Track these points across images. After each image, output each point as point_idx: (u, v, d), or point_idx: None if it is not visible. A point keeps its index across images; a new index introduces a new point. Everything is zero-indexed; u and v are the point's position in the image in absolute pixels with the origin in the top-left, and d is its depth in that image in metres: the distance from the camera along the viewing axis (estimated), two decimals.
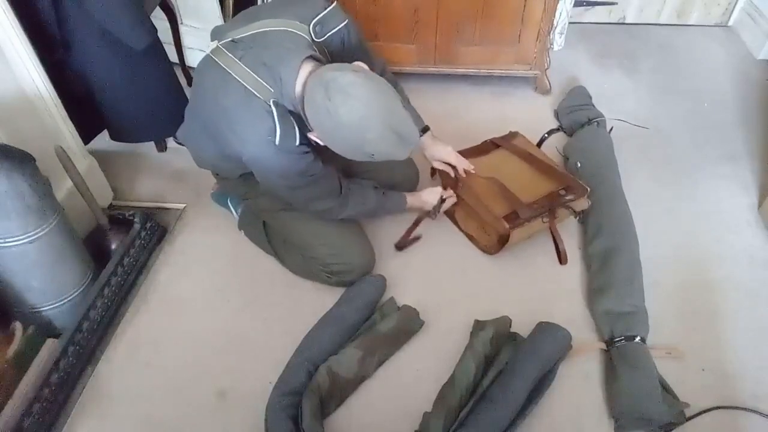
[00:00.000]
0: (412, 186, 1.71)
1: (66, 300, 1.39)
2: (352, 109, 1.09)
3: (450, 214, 1.70)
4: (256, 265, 1.61)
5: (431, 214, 1.62)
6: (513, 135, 1.77)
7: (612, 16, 2.66)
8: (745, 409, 1.26)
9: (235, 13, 1.93)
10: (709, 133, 2.04)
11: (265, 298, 1.53)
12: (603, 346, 1.37)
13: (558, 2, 2.05)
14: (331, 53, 1.30)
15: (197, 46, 2.20)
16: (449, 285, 1.55)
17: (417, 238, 1.66)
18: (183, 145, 1.54)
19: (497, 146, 1.73)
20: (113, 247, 1.58)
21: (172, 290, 1.56)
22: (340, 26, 1.29)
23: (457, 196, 1.62)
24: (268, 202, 1.52)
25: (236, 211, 1.69)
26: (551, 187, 1.56)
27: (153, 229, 1.66)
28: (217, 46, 1.24)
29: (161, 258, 1.64)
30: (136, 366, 1.38)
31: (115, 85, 1.67)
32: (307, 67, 1.17)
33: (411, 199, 1.60)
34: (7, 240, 1.23)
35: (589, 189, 1.56)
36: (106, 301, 1.44)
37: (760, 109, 2.15)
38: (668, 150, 1.97)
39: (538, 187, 1.56)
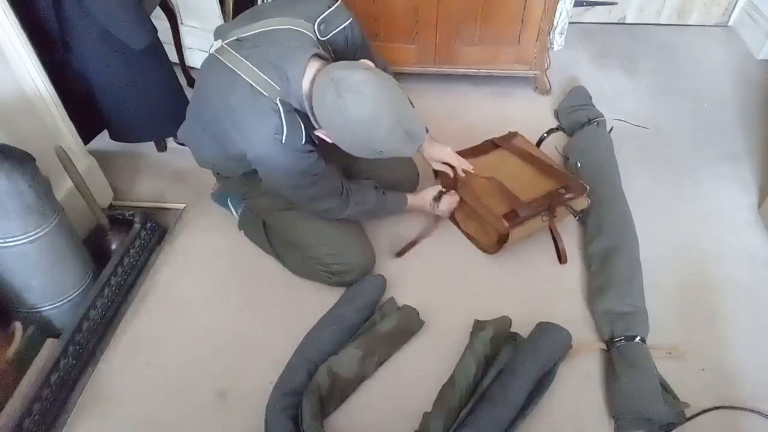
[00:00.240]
0: (412, 186, 1.71)
1: (66, 300, 1.39)
2: (362, 107, 1.11)
3: (450, 215, 1.70)
4: (256, 265, 1.61)
5: (431, 205, 1.60)
6: (512, 135, 1.77)
7: (612, 16, 2.66)
8: (745, 409, 1.26)
9: (235, 14, 1.94)
10: (709, 133, 2.04)
11: (265, 298, 1.53)
12: (603, 346, 1.37)
13: (558, 2, 2.05)
14: (335, 51, 1.31)
15: (197, 46, 2.20)
16: (449, 285, 1.55)
17: (415, 242, 1.66)
18: (183, 144, 1.55)
19: (497, 146, 1.73)
20: (113, 247, 1.58)
21: (172, 290, 1.56)
22: (344, 25, 1.30)
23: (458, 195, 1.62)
24: (269, 202, 1.52)
25: (236, 211, 1.69)
26: (551, 186, 1.56)
27: (153, 229, 1.66)
28: (222, 45, 1.24)
29: (161, 258, 1.64)
30: (136, 366, 1.38)
31: (115, 85, 1.67)
32: (313, 65, 1.17)
33: (412, 198, 1.60)
34: (7, 240, 1.23)
35: (588, 188, 1.56)
36: (106, 301, 1.44)
37: (760, 109, 2.15)
38: (668, 150, 1.97)
39: (538, 186, 1.56)
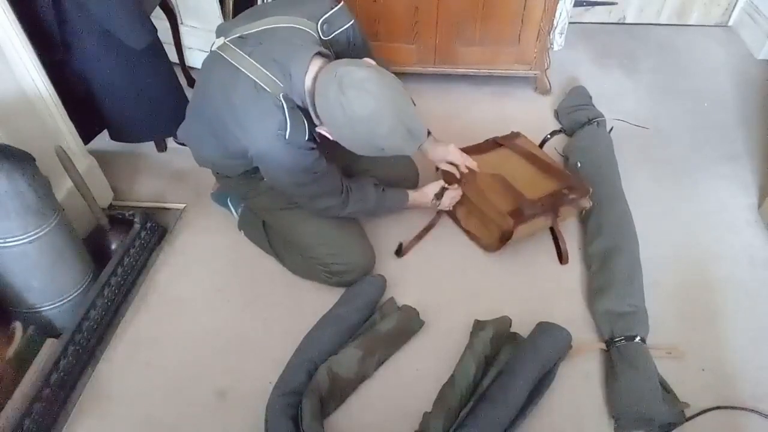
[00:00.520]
0: (412, 185, 1.70)
1: (66, 300, 1.39)
2: (365, 104, 1.11)
3: (451, 211, 1.70)
4: (256, 265, 1.61)
5: (433, 201, 1.60)
6: (515, 135, 1.76)
7: (612, 16, 2.66)
8: (745, 409, 1.26)
9: (235, 14, 1.93)
10: (709, 133, 2.04)
11: (265, 298, 1.53)
12: (603, 346, 1.37)
13: (558, 2, 2.05)
14: (336, 52, 1.31)
15: (197, 46, 2.20)
16: (449, 285, 1.55)
17: (419, 238, 1.66)
18: (183, 144, 1.54)
19: (499, 145, 1.73)
20: (113, 247, 1.58)
21: (172, 290, 1.56)
22: (346, 26, 1.31)
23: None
24: (269, 202, 1.52)
25: (236, 211, 1.69)
26: (554, 186, 1.56)
27: (153, 229, 1.66)
28: (224, 42, 1.25)
29: (161, 258, 1.64)
30: (136, 366, 1.38)
31: (115, 85, 1.67)
32: (316, 63, 1.18)
33: (414, 195, 1.59)
34: (7, 240, 1.23)
35: (591, 189, 1.56)
36: (106, 301, 1.44)
37: (760, 109, 2.15)
38: (668, 150, 1.97)
39: (541, 186, 1.56)
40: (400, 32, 2.08)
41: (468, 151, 1.63)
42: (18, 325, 1.33)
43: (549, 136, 1.85)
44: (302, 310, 1.47)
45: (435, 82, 2.25)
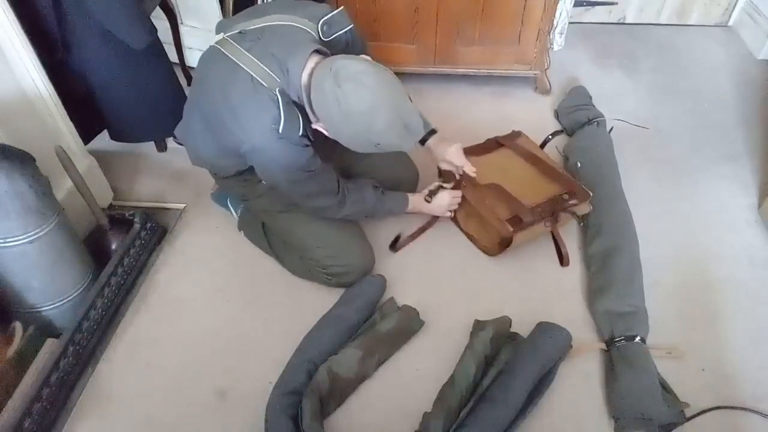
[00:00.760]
0: (412, 186, 1.70)
1: (66, 300, 1.39)
2: (361, 97, 1.10)
3: (452, 213, 1.70)
4: (256, 265, 1.61)
5: (426, 197, 1.59)
6: (517, 134, 1.76)
7: (612, 16, 2.66)
8: (745, 409, 1.26)
9: (235, 14, 1.93)
10: (709, 133, 2.04)
11: (265, 298, 1.53)
12: (603, 346, 1.37)
13: (558, 2, 2.05)
14: (335, 54, 1.31)
15: (197, 46, 2.20)
16: (449, 285, 1.55)
17: (414, 237, 1.66)
18: (183, 144, 1.54)
19: (501, 145, 1.72)
20: (113, 247, 1.58)
21: (172, 290, 1.56)
22: (346, 29, 1.31)
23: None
24: (267, 203, 1.51)
25: (236, 212, 1.69)
26: (555, 190, 1.55)
27: (153, 229, 1.66)
28: (224, 37, 1.25)
29: (161, 258, 1.64)
30: (136, 366, 1.38)
31: (115, 85, 1.67)
32: (313, 59, 1.18)
33: (414, 198, 1.58)
34: (7, 240, 1.23)
35: (591, 194, 1.55)
36: (106, 301, 1.44)
37: (760, 109, 2.15)
38: (668, 150, 1.97)
39: (542, 190, 1.55)
40: (400, 32, 2.08)
41: (469, 151, 1.63)
42: (18, 325, 1.33)
43: (550, 136, 1.85)
44: (302, 310, 1.47)
45: (435, 82, 2.25)
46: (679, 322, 1.44)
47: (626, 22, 2.67)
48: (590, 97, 2.11)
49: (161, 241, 1.68)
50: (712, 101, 2.19)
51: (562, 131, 2.00)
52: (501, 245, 1.55)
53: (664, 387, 1.28)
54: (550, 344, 1.31)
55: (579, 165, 1.78)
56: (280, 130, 1.19)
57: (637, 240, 1.55)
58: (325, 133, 1.22)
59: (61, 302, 1.38)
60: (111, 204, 1.78)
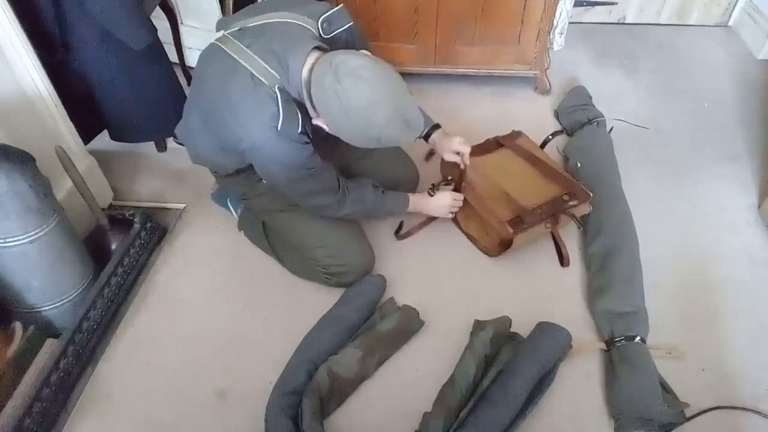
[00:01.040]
0: (412, 187, 1.70)
1: (66, 300, 1.39)
2: (361, 92, 1.10)
3: (452, 215, 1.70)
4: (256, 265, 1.61)
5: (429, 191, 1.59)
6: (517, 134, 1.76)
7: (612, 16, 2.66)
8: (745, 409, 1.26)
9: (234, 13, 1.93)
10: (709, 133, 2.04)
11: (265, 298, 1.53)
12: (603, 346, 1.37)
13: (558, 2, 2.05)
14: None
15: (197, 46, 2.20)
16: (449, 285, 1.55)
17: (421, 226, 1.66)
18: (183, 144, 1.54)
19: (501, 145, 1.72)
20: (113, 247, 1.58)
21: (172, 290, 1.56)
22: (346, 26, 1.31)
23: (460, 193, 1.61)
24: (267, 203, 1.51)
25: (236, 212, 1.69)
26: (555, 191, 1.55)
27: (153, 229, 1.66)
28: (224, 34, 1.25)
29: (161, 258, 1.64)
30: (136, 366, 1.38)
31: (115, 85, 1.67)
32: (313, 56, 1.18)
33: (416, 199, 1.56)
34: (7, 240, 1.23)
35: (591, 195, 1.55)
36: (106, 301, 1.44)
37: (760, 109, 2.15)
38: (668, 150, 1.97)
39: (542, 191, 1.55)
40: (400, 32, 2.08)
41: (470, 150, 1.62)
42: (18, 325, 1.33)
43: (550, 137, 1.85)
44: (302, 310, 1.47)
45: (435, 82, 2.25)
46: (679, 322, 1.44)
47: (626, 22, 2.67)
48: (590, 97, 2.11)
49: (161, 241, 1.68)
50: (712, 101, 2.19)
51: (562, 131, 2.00)
52: (501, 246, 1.55)
53: (664, 387, 1.28)
54: (550, 344, 1.31)
55: (579, 165, 1.78)
56: (279, 128, 1.19)
57: (637, 240, 1.55)
58: (326, 128, 1.22)
59: (61, 302, 1.38)
60: (111, 204, 1.78)
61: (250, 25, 1.25)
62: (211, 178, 1.65)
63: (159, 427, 1.27)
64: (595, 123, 1.93)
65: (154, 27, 1.62)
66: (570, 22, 2.37)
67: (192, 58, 2.21)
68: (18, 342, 1.30)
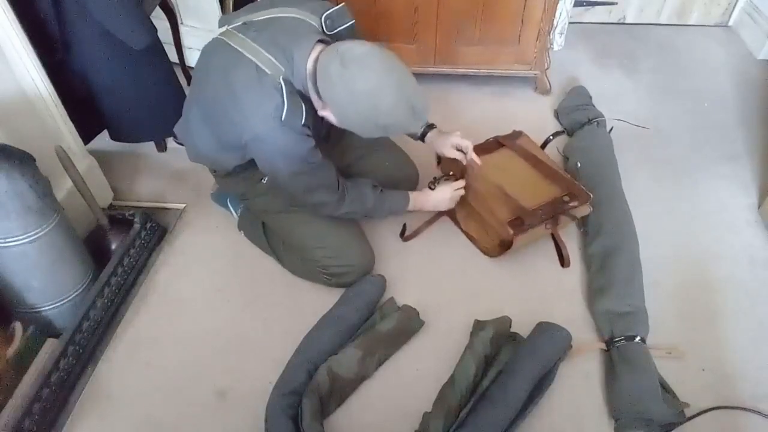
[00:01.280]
0: (412, 187, 1.69)
1: (66, 300, 1.39)
2: (367, 77, 1.11)
3: (451, 213, 1.70)
4: (256, 265, 1.61)
5: (430, 183, 1.57)
6: (518, 134, 1.76)
7: (612, 16, 2.66)
8: (745, 409, 1.26)
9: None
10: (709, 133, 2.04)
11: (265, 298, 1.53)
12: (603, 346, 1.37)
13: (558, 2, 2.05)
14: None
15: (197, 46, 2.20)
16: (449, 285, 1.55)
17: (429, 224, 1.66)
18: (182, 144, 1.54)
19: (501, 145, 1.72)
20: (113, 247, 1.58)
21: (172, 290, 1.56)
22: (347, 24, 1.31)
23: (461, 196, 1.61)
24: (267, 203, 1.51)
25: (236, 212, 1.68)
26: (555, 192, 1.55)
27: (153, 229, 1.66)
28: (228, 29, 1.26)
29: (161, 258, 1.64)
30: (136, 366, 1.38)
31: (115, 85, 1.67)
32: (318, 48, 1.19)
33: (416, 197, 1.55)
34: (7, 240, 1.23)
35: (591, 196, 1.55)
36: (106, 301, 1.44)
37: (760, 109, 2.15)
38: (668, 150, 1.97)
39: (542, 192, 1.55)
40: (400, 32, 2.08)
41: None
42: (18, 325, 1.33)
43: (551, 137, 1.85)
44: (302, 310, 1.47)
45: (435, 82, 2.25)
46: (679, 322, 1.44)
47: (626, 22, 2.67)
48: (590, 97, 2.11)
49: (161, 241, 1.68)
50: (712, 101, 2.19)
51: (562, 132, 2.00)
52: (501, 247, 1.55)
53: (664, 387, 1.28)
54: (550, 344, 1.31)
55: (579, 165, 1.78)
56: (283, 118, 1.19)
57: (637, 240, 1.55)
58: (332, 119, 1.22)
59: (61, 302, 1.38)
60: (111, 204, 1.78)
61: (255, 19, 1.25)
62: (211, 178, 1.65)
63: (159, 427, 1.27)
64: (595, 123, 1.93)
65: (154, 27, 1.62)
66: (570, 22, 2.37)
67: (192, 58, 2.21)
68: (18, 342, 1.30)
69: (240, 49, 1.20)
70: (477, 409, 1.21)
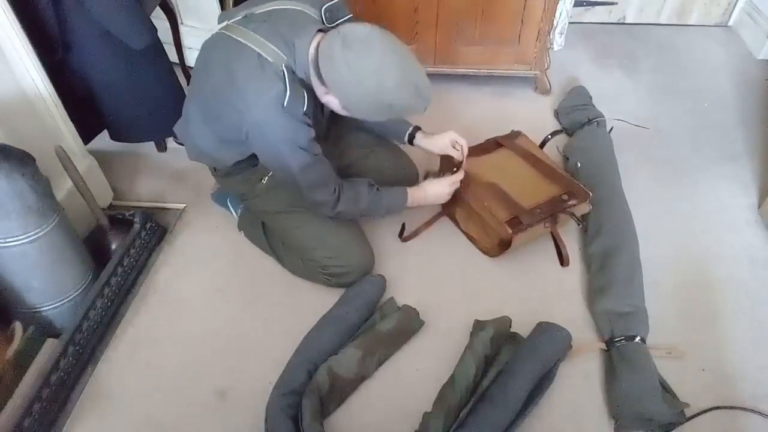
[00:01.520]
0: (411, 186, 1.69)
1: (66, 300, 1.39)
2: (371, 56, 1.12)
3: (451, 214, 1.70)
4: (256, 265, 1.61)
5: (430, 175, 1.57)
6: (516, 134, 1.76)
7: (612, 16, 2.66)
8: (745, 409, 1.26)
9: None
10: (709, 133, 2.04)
11: (265, 298, 1.53)
12: (603, 346, 1.37)
13: (558, 2, 2.05)
14: None
15: (197, 46, 2.17)
16: (449, 285, 1.55)
17: (428, 224, 1.66)
18: (182, 144, 1.54)
19: (500, 145, 1.72)
20: (113, 247, 1.58)
21: (172, 290, 1.56)
22: (347, 18, 1.32)
23: (460, 196, 1.60)
24: (267, 203, 1.51)
25: (236, 212, 1.68)
26: (554, 191, 1.55)
27: (153, 229, 1.66)
28: (228, 23, 1.26)
29: (161, 258, 1.64)
30: (136, 366, 1.38)
31: (115, 85, 1.67)
32: (319, 37, 1.20)
33: (415, 192, 1.53)
34: (7, 240, 1.23)
35: (590, 194, 1.55)
36: (106, 301, 1.44)
37: (760, 109, 2.15)
38: (668, 150, 1.97)
39: (541, 191, 1.55)
40: (400, 32, 2.03)
41: (469, 151, 1.62)
42: (18, 325, 1.33)
43: (549, 136, 1.85)
44: (302, 310, 1.47)
45: (435, 82, 2.20)
46: (679, 322, 1.44)
47: (626, 22, 2.67)
48: (590, 97, 2.11)
49: (161, 241, 1.68)
50: (712, 101, 2.19)
51: (561, 131, 2.00)
52: (501, 247, 1.55)
53: (664, 387, 1.28)
54: (549, 344, 1.31)
55: (579, 165, 1.78)
56: (285, 104, 1.19)
57: (637, 240, 1.55)
58: (335, 105, 1.23)
59: (61, 302, 1.38)
60: (111, 204, 1.79)
61: (255, 12, 1.26)
62: (211, 178, 1.65)
63: (159, 427, 1.27)
64: (595, 123, 1.93)
65: (154, 27, 1.62)
66: (570, 22, 2.37)
67: (192, 58, 2.19)
68: (18, 342, 1.30)
69: (241, 40, 1.21)
70: (477, 409, 1.21)
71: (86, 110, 1.69)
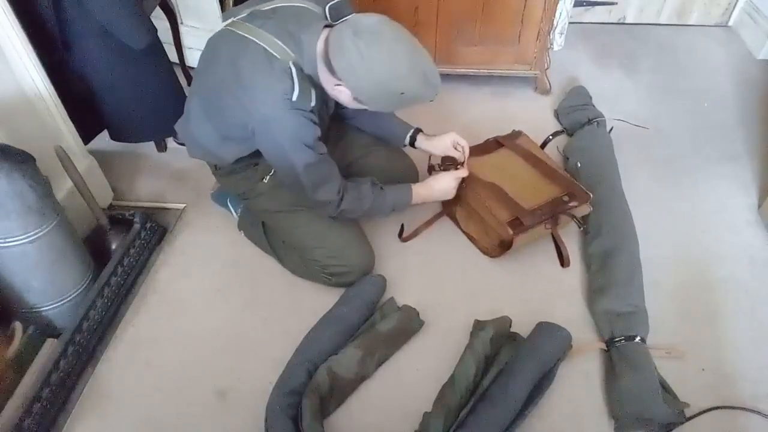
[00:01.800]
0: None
1: (66, 300, 1.39)
2: (382, 43, 1.14)
3: (451, 213, 1.70)
4: (256, 265, 1.61)
5: (430, 170, 1.58)
6: (517, 134, 1.76)
7: (612, 16, 2.66)
8: (745, 409, 1.26)
9: None
10: (709, 133, 2.04)
11: (265, 298, 1.53)
12: (603, 346, 1.37)
13: (558, 2, 2.05)
14: None
15: (197, 46, 2.20)
16: (449, 285, 1.55)
17: (429, 224, 1.67)
18: (183, 144, 1.54)
19: (501, 145, 1.72)
20: (113, 247, 1.58)
21: (172, 290, 1.56)
22: (350, 16, 1.31)
23: (460, 196, 1.60)
24: (267, 203, 1.51)
25: (236, 212, 1.68)
26: (555, 192, 1.54)
27: (153, 229, 1.66)
28: (233, 20, 1.27)
29: (161, 258, 1.64)
30: (136, 366, 1.38)
31: (115, 85, 1.67)
32: (326, 32, 1.21)
33: (419, 188, 1.52)
34: (7, 240, 1.23)
35: (591, 195, 1.54)
36: (106, 301, 1.44)
37: (760, 109, 2.15)
38: (668, 150, 1.97)
39: (542, 192, 1.54)
40: None
41: (469, 151, 1.62)
42: (18, 325, 1.33)
43: (551, 137, 1.85)
44: (302, 310, 1.47)
45: None
46: (679, 322, 1.44)
47: (626, 22, 2.67)
48: (590, 97, 2.11)
49: (161, 241, 1.68)
50: (712, 101, 2.19)
51: (562, 131, 2.00)
52: (501, 247, 1.55)
53: (664, 387, 1.28)
54: (550, 344, 1.31)
55: (579, 165, 1.78)
56: (294, 99, 1.20)
57: (637, 240, 1.55)
58: (345, 97, 1.24)
59: (61, 302, 1.38)
60: (111, 204, 1.79)
61: (260, 9, 1.27)
62: (211, 178, 1.65)
63: (159, 427, 1.27)
64: (595, 123, 1.93)
65: (154, 27, 1.62)
66: (570, 22, 2.37)
67: (192, 58, 2.21)
68: (18, 342, 1.30)
69: (248, 36, 1.21)
70: (477, 409, 1.21)
71: (86, 110, 1.69)
